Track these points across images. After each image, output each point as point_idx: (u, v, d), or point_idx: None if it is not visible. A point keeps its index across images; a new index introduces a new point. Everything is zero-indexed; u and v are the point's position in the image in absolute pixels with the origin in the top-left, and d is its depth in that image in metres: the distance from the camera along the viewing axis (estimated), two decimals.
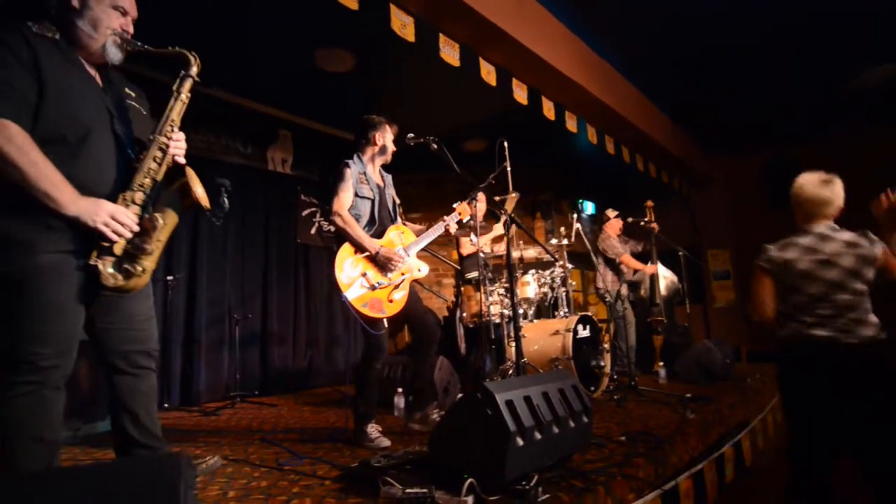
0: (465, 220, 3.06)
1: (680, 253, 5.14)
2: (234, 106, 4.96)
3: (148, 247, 1.43)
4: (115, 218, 1.37)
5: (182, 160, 1.58)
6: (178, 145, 1.55)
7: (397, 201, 2.92)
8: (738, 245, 7.24)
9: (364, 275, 2.49)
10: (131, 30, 1.56)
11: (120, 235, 1.39)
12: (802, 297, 1.96)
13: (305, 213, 5.63)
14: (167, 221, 1.49)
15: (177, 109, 1.56)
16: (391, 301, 2.53)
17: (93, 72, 1.51)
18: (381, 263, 2.54)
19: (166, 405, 4.01)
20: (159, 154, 1.50)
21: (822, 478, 1.93)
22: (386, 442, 2.52)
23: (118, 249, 1.40)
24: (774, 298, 2.06)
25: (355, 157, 2.76)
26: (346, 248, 2.53)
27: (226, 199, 1.71)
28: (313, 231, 5.66)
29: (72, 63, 1.44)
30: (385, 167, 2.92)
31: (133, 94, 1.61)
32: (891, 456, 1.82)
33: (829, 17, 4.18)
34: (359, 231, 2.55)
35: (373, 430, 2.58)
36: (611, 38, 4.45)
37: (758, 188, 7.10)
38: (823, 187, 2.00)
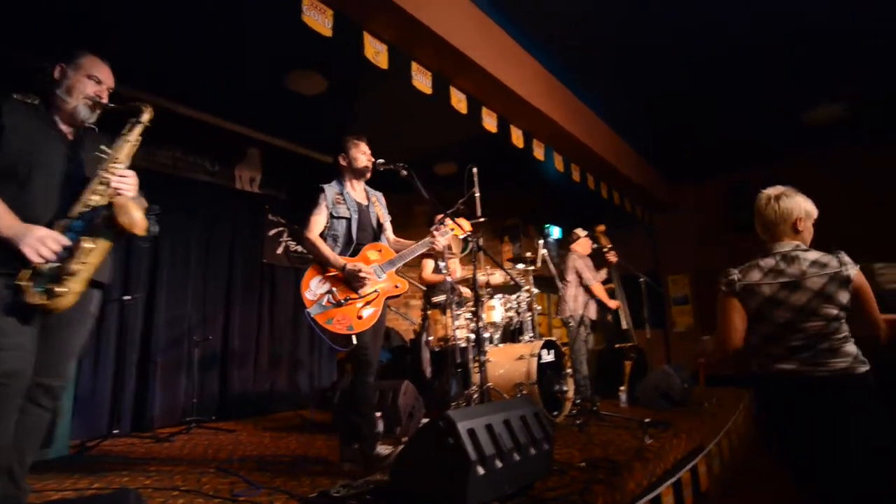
0: (460, 238, 3.09)
1: (641, 279, 5.29)
2: (202, 123, 4.90)
3: (72, 268, 1.54)
4: (42, 241, 1.51)
5: (128, 194, 1.70)
6: (123, 181, 1.70)
7: (386, 219, 2.93)
8: (697, 270, 7.50)
9: (330, 291, 2.48)
10: (105, 96, 1.80)
11: (42, 257, 1.51)
12: (769, 326, 1.80)
13: (272, 232, 5.55)
14: (96, 245, 1.60)
15: (124, 150, 1.74)
16: (360, 318, 2.52)
17: (65, 128, 1.76)
18: (348, 280, 2.54)
19: (116, 431, 3.83)
20: (101, 187, 1.66)
21: None
22: None
23: (43, 270, 1.52)
24: (745, 322, 1.89)
25: (335, 180, 2.82)
26: (315, 267, 2.56)
27: (155, 225, 1.78)
28: (280, 251, 5.59)
29: (41, 119, 1.71)
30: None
31: (107, 150, 1.77)
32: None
33: (785, 52, 4.44)
34: (324, 250, 2.58)
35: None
36: (577, 70, 4.63)
37: (716, 213, 7.40)
38: (779, 202, 1.87)
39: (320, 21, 2.88)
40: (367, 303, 2.54)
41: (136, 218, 1.65)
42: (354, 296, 2.52)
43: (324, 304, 2.44)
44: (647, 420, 3.35)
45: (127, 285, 4.19)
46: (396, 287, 2.68)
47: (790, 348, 1.76)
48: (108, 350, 4.09)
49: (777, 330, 1.79)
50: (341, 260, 2.58)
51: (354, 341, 2.50)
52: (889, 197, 5.72)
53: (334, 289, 2.50)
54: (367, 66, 3.17)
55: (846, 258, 1.76)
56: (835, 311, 1.73)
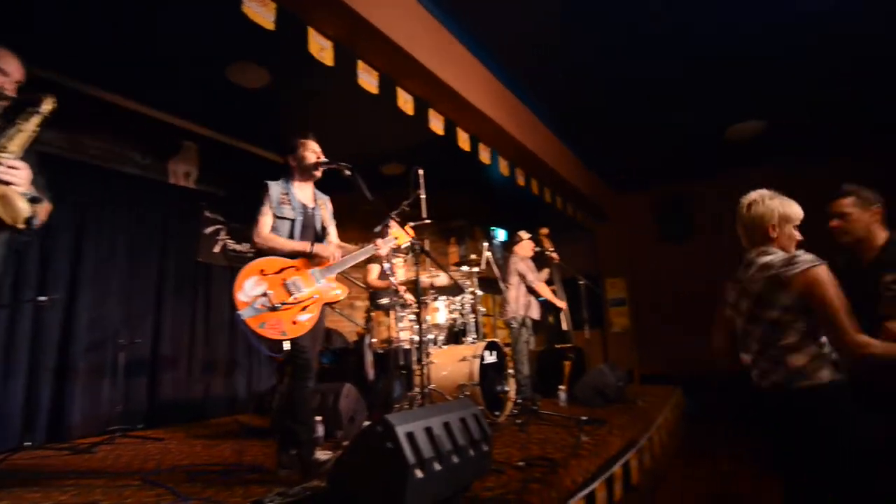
0: (402, 246, 3.07)
1: (580, 282, 5.47)
2: (133, 113, 4.62)
3: None
4: None
5: (18, 188, 1.62)
6: (11, 172, 1.62)
7: (330, 223, 2.89)
8: (633, 274, 7.86)
9: (265, 294, 2.40)
10: (9, 87, 1.77)
11: None
12: (736, 332, 1.77)
13: (209, 230, 5.31)
14: None
15: (16, 140, 1.67)
16: (295, 323, 2.45)
17: None
18: (304, 276, 2.51)
19: (28, 443, 3.52)
20: None
21: None
22: None
23: None
24: (722, 330, 1.86)
25: (283, 178, 2.75)
26: (250, 268, 2.46)
27: (35, 219, 1.69)
28: (217, 249, 5.36)
29: None
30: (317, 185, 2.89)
31: None
32: None
33: (710, 75, 4.75)
34: (281, 242, 2.56)
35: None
36: (524, 79, 4.73)
37: (651, 222, 7.80)
38: (752, 208, 1.79)
39: (262, 14, 2.78)
40: (304, 308, 2.48)
41: (20, 210, 1.56)
42: (291, 300, 2.45)
43: (257, 307, 2.36)
44: (583, 418, 3.48)
45: (43, 285, 3.89)
46: (336, 293, 2.63)
47: (752, 358, 1.70)
48: (20, 355, 3.77)
49: (740, 338, 1.75)
50: (306, 243, 2.58)
51: (286, 347, 2.44)
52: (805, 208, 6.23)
53: (270, 292, 2.42)
54: (313, 63, 3.10)
55: (801, 258, 1.61)
56: (774, 315, 1.61)
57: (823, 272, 1.56)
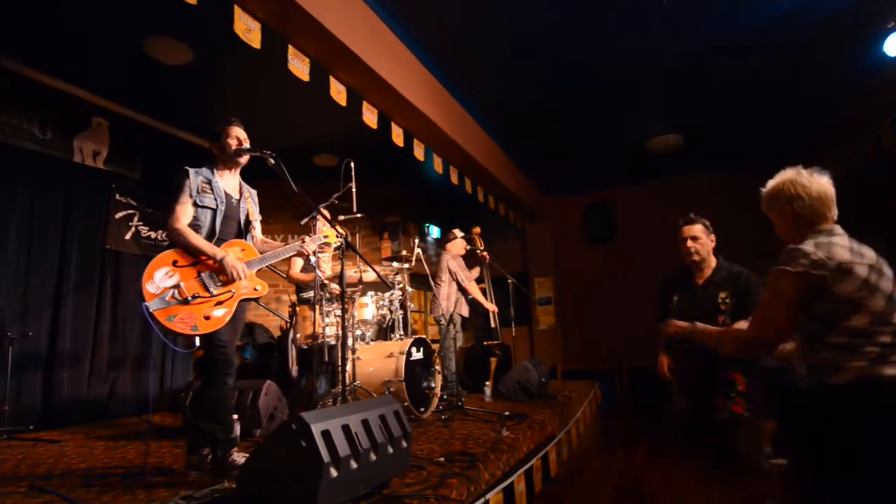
0: (334, 246, 2.97)
1: (509, 280, 5.61)
2: (33, 82, 4.18)
3: None
4: None
5: None
6: None
7: (255, 217, 2.74)
8: (560, 274, 8.17)
9: (177, 286, 2.25)
10: None
11: None
12: (867, 317, 1.47)
13: (120, 215, 4.92)
14: None
15: None
16: (208, 318, 2.31)
17: None
18: (221, 271, 2.38)
19: None
20: None
21: None
22: None
23: None
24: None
25: (206, 165, 2.59)
26: (163, 258, 2.31)
27: None
28: (128, 236, 4.97)
29: None
30: (242, 175, 2.73)
31: None
32: None
33: (629, 89, 5.02)
34: (196, 240, 2.38)
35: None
36: (460, 80, 4.77)
37: (577, 226, 8.14)
38: (827, 182, 1.62)
39: None
40: (219, 303, 2.36)
41: None
42: (205, 294, 2.31)
43: (167, 298, 2.22)
44: (505, 413, 3.56)
45: None
46: (255, 290, 2.51)
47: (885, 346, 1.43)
48: None
49: (871, 323, 1.44)
50: (219, 249, 2.40)
51: (198, 343, 2.31)
52: (711, 218, 6.76)
53: (182, 283, 2.27)
54: (241, 43, 2.94)
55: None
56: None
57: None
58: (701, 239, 2.77)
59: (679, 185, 7.21)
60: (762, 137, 6.14)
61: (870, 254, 1.51)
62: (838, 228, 1.58)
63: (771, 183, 1.71)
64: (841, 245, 1.50)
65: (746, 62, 4.49)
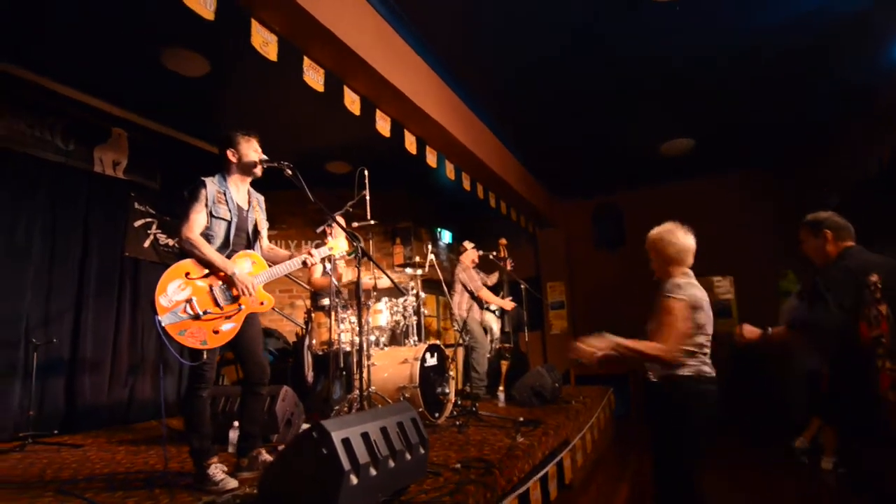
0: (337, 256, 3.00)
1: (522, 286, 5.63)
2: (55, 94, 4.30)
3: None
4: None
5: None
6: None
7: (263, 226, 2.76)
8: (571, 278, 8.15)
9: (189, 301, 2.29)
10: None
11: None
12: (704, 337, 2.16)
13: (139, 223, 5.02)
14: None
15: None
16: (217, 332, 2.35)
17: None
18: (232, 286, 2.42)
19: None
20: None
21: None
22: (233, 483, 2.29)
23: None
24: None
25: (218, 174, 2.60)
26: (175, 270, 2.34)
27: None
28: (147, 244, 5.07)
29: None
30: (254, 183, 2.77)
31: None
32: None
33: (644, 95, 5.02)
34: (209, 252, 2.40)
35: (216, 470, 2.33)
36: (471, 86, 4.81)
37: (588, 230, 8.13)
38: (686, 236, 2.23)
39: (201, 2, 2.67)
40: (228, 317, 2.40)
41: None
42: (216, 309, 2.35)
43: (179, 313, 2.25)
44: (520, 419, 3.57)
45: None
46: (262, 304, 2.55)
47: (706, 355, 2.20)
48: None
49: (707, 340, 2.21)
50: (231, 264, 2.43)
51: (205, 357, 2.35)
52: (724, 219, 6.74)
53: (194, 298, 2.30)
54: (257, 55, 3.01)
55: (668, 286, 2.17)
56: None
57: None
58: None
59: (687, 189, 7.18)
60: (772, 140, 6.10)
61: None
62: (691, 272, 2.24)
63: (654, 230, 2.30)
64: (696, 286, 2.18)
65: (756, 67, 4.47)
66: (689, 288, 2.16)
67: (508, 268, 5.40)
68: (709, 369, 2.17)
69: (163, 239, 5.19)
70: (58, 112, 4.37)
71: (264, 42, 3.03)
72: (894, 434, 2.14)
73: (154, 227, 5.14)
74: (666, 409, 2.20)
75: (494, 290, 5.39)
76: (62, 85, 4.32)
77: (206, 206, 2.46)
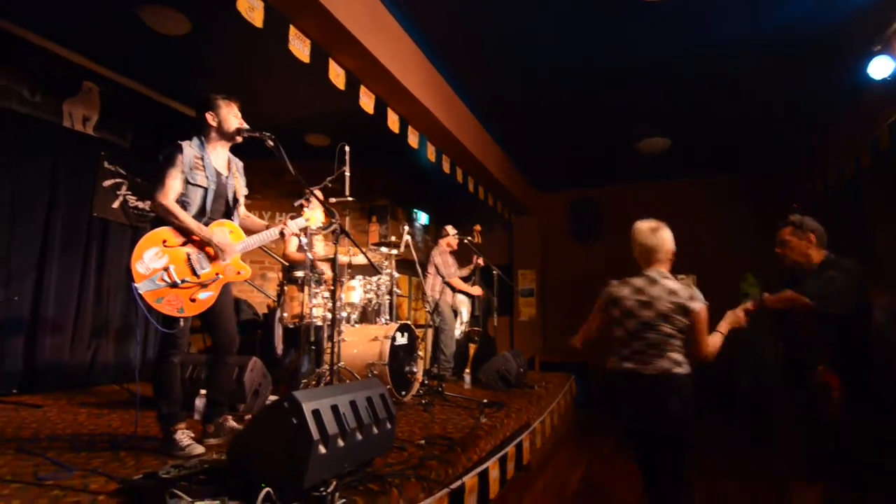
0: (313, 228, 2.99)
1: (494, 272, 5.72)
2: (23, 42, 4.10)
3: None
4: None
5: None
6: None
7: (242, 193, 2.73)
8: (543, 267, 8.31)
9: (167, 269, 2.28)
10: None
11: None
12: (623, 331, 2.26)
13: (108, 183, 4.87)
14: None
15: None
16: (193, 300, 2.36)
17: None
18: (209, 254, 2.41)
19: None
20: None
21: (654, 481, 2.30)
22: (199, 449, 2.33)
23: None
24: (599, 330, 2.42)
25: (196, 138, 2.54)
26: (152, 237, 2.31)
27: None
28: (116, 205, 4.93)
29: None
30: (233, 151, 2.72)
31: None
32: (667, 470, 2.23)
33: (621, 91, 5.11)
34: (186, 218, 2.37)
35: (183, 436, 2.35)
36: (458, 70, 4.80)
37: (564, 221, 8.26)
38: (658, 232, 2.27)
39: None
40: (204, 286, 2.39)
41: None
42: (193, 278, 2.35)
43: (156, 280, 2.24)
44: (484, 401, 3.68)
45: None
46: (239, 273, 2.55)
47: (631, 351, 2.24)
48: None
49: (626, 336, 2.26)
50: (206, 230, 2.41)
51: (182, 324, 2.36)
52: (699, 220, 6.95)
53: (172, 266, 2.29)
54: (241, 19, 2.94)
55: (697, 294, 2.19)
56: (669, 330, 2.19)
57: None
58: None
59: (666, 187, 7.37)
60: (748, 145, 6.30)
61: (651, 291, 2.22)
62: (653, 271, 2.29)
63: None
64: (630, 284, 2.29)
65: (734, 72, 4.60)
66: (619, 286, 2.32)
67: (481, 263, 5.53)
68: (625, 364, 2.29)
69: (132, 201, 5.05)
70: (25, 61, 4.17)
71: (250, 7, 2.96)
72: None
73: (124, 188, 4.99)
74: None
75: (466, 279, 5.53)
76: (30, 32, 4.12)
77: (183, 172, 2.42)
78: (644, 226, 2.34)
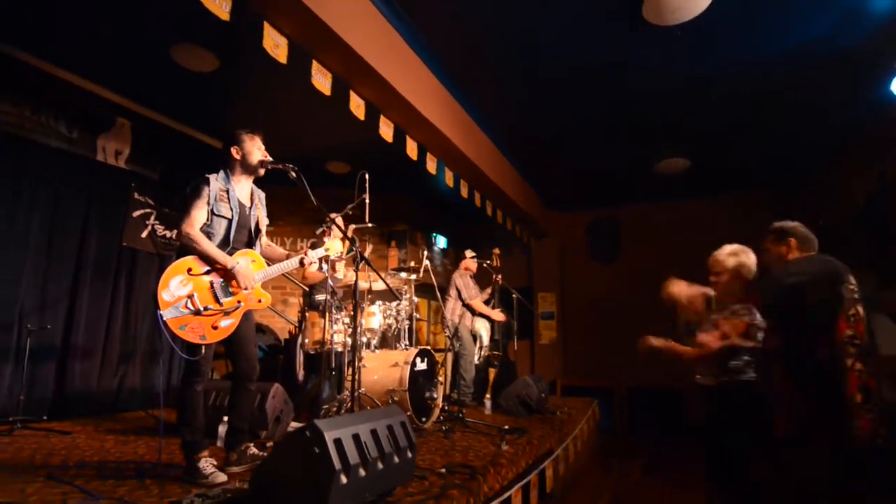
0: (332, 258, 3.04)
1: (514, 295, 5.71)
2: (62, 82, 4.33)
3: None
4: None
5: None
6: None
7: (264, 223, 2.81)
8: (564, 290, 8.24)
9: (191, 297, 2.35)
10: None
11: None
12: None
13: (137, 214, 5.05)
14: None
15: None
16: (216, 328, 2.41)
17: None
18: (231, 282, 2.47)
19: None
20: None
21: None
22: (222, 477, 2.35)
23: None
24: None
25: (222, 171, 2.64)
26: (178, 265, 2.39)
27: None
28: (144, 234, 5.10)
29: None
30: (256, 180, 2.81)
31: None
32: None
33: (641, 115, 5.13)
34: (209, 247, 2.44)
35: (206, 464, 2.38)
36: (474, 95, 4.89)
37: (582, 242, 8.22)
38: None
39: (217, 2, 2.73)
40: (226, 313, 2.45)
41: None
42: (216, 305, 2.41)
43: (181, 308, 2.30)
44: (505, 427, 3.63)
45: None
46: (260, 301, 2.60)
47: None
48: None
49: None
50: (229, 258, 2.48)
51: (204, 352, 2.40)
52: (720, 240, 6.84)
53: (196, 294, 2.36)
54: (266, 55, 3.06)
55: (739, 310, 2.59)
56: None
57: None
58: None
59: (686, 207, 7.30)
60: (770, 163, 6.23)
61: None
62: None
63: None
64: None
65: (757, 92, 4.58)
66: None
67: (500, 281, 5.52)
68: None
69: (160, 230, 5.21)
70: (64, 100, 4.40)
71: (275, 45, 3.09)
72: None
73: (152, 217, 5.16)
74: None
75: (486, 302, 5.52)
76: (68, 72, 4.35)
77: (208, 203, 2.50)
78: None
